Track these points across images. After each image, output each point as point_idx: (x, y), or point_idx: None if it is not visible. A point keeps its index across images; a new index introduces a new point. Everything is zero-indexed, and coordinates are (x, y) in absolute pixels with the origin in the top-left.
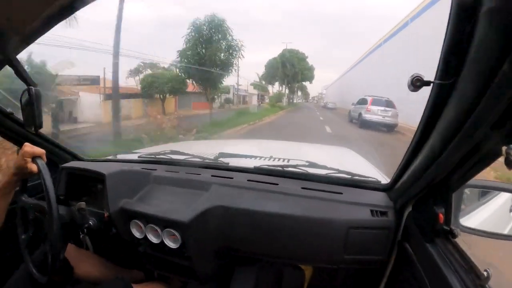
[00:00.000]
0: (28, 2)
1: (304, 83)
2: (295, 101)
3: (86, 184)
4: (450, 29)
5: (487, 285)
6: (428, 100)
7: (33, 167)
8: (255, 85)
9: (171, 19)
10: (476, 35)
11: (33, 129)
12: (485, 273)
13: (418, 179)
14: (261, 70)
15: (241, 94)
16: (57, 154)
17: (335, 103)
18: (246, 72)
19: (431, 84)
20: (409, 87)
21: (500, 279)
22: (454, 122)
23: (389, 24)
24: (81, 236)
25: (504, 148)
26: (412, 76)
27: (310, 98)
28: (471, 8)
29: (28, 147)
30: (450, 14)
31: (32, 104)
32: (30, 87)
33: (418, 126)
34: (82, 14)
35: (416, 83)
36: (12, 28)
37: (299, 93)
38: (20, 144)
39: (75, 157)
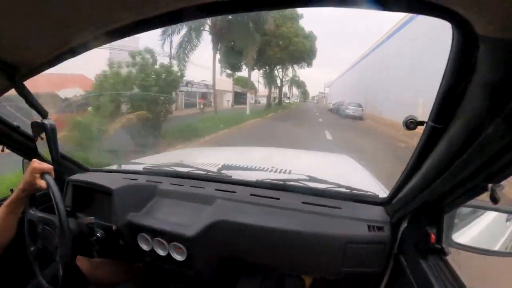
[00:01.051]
0: (41, 43)
1: (298, 69)
2: (288, 101)
3: (92, 196)
4: (444, 83)
5: None
6: (422, 134)
7: (42, 184)
8: (236, 78)
9: None
10: (468, 93)
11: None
12: None
13: (413, 199)
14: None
15: (199, 91)
16: (62, 164)
17: (361, 106)
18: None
19: (424, 124)
20: (404, 127)
21: None
22: (445, 157)
23: (389, 23)
24: (93, 247)
25: (489, 186)
26: (406, 118)
27: (309, 97)
28: (466, 71)
29: (36, 163)
30: (445, 71)
31: (49, 139)
32: (45, 122)
33: (414, 152)
34: None
35: (410, 125)
36: (23, 63)
37: (294, 90)
38: (27, 157)
39: (80, 167)
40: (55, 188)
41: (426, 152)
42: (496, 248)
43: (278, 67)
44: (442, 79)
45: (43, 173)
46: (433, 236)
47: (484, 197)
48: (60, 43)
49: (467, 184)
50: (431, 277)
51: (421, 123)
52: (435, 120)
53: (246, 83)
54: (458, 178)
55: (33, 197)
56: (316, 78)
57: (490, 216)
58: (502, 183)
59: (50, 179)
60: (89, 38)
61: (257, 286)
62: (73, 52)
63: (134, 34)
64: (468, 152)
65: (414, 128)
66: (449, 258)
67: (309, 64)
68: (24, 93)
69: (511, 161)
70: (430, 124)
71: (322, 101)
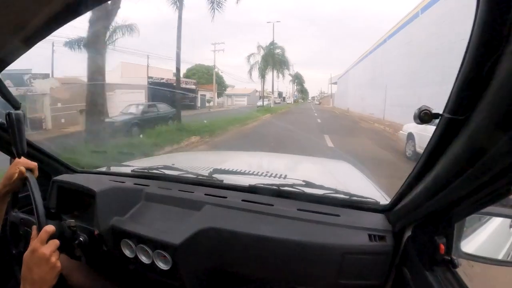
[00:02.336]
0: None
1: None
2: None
3: (78, 198)
4: (468, 63)
5: None
6: (435, 131)
7: (21, 174)
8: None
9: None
10: (498, 73)
11: (17, 156)
12: None
13: (420, 207)
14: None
15: None
16: (50, 165)
17: None
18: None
19: (440, 117)
20: (415, 119)
21: None
22: (463, 159)
23: (388, 23)
24: (75, 251)
25: None
26: (419, 109)
27: (309, 98)
28: (495, 46)
29: (22, 160)
30: (468, 47)
31: (13, 130)
32: (11, 112)
33: (423, 153)
34: None
35: (424, 117)
36: None
37: (295, 90)
38: (13, 155)
39: (68, 168)
40: (35, 185)
41: (439, 151)
42: (509, 257)
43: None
44: (464, 59)
45: (26, 170)
46: (442, 247)
47: None
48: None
49: (488, 188)
50: None
51: (437, 115)
52: (454, 111)
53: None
54: (479, 181)
55: (16, 198)
56: (315, 79)
57: (495, 222)
58: None
59: (32, 176)
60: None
61: None
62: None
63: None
64: (494, 148)
65: (428, 121)
66: (459, 270)
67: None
68: None
69: None
70: (447, 116)
71: (327, 103)
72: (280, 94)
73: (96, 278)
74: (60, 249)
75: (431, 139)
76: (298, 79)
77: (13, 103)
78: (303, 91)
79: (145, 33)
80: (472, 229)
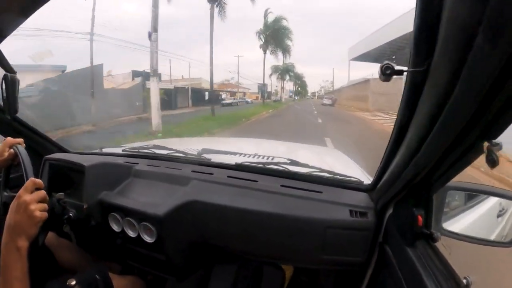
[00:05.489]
0: None
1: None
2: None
3: (69, 176)
4: (418, 6)
5: None
6: (403, 92)
7: (11, 152)
8: None
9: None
10: (445, 8)
11: (9, 115)
12: (464, 281)
13: (397, 179)
14: (259, 69)
15: None
16: (43, 145)
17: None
18: (245, 71)
19: (404, 74)
20: (380, 76)
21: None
22: (429, 114)
23: (387, 17)
24: (64, 227)
25: (485, 144)
26: (382, 64)
27: (309, 94)
28: None
29: (9, 138)
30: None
31: (8, 91)
32: (7, 73)
33: (395, 122)
34: None
35: (386, 71)
36: None
37: (292, 84)
38: (7, 134)
39: (61, 149)
40: (25, 156)
41: (410, 113)
42: (492, 237)
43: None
44: (415, 10)
45: (14, 145)
46: (420, 219)
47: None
48: None
49: (458, 148)
50: (418, 266)
51: (400, 71)
52: (415, 64)
53: None
54: (446, 138)
55: (7, 177)
56: (314, 75)
57: (486, 204)
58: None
59: (21, 148)
60: None
61: (233, 275)
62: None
63: None
64: (454, 94)
65: (389, 77)
66: (439, 245)
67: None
68: None
69: (508, 97)
70: (410, 70)
71: (336, 99)
72: (261, 87)
73: (85, 257)
74: (49, 225)
75: (400, 104)
76: (290, 71)
77: (9, 68)
78: (302, 87)
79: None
80: (458, 210)
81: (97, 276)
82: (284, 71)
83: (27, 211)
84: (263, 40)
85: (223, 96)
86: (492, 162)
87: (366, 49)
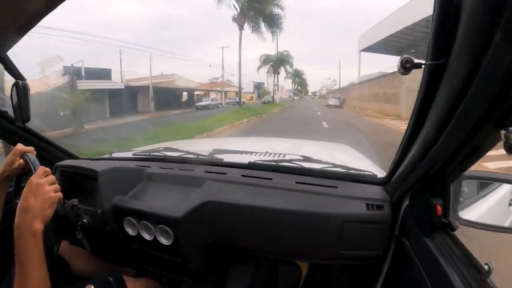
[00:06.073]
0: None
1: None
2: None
3: (81, 183)
4: (437, 2)
5: (488, 280)
6: (420, 85)
7: (21, 162)
8: None
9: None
10: (465, 6)
11: (21, 123)
12: (486, 267)
13: (414, 171)
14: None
15: None
16: (52, 153)
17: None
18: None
19: (423, 66)
20: (399, 70)
21: (502, 273)
22: (446, 107)
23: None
24: (77, 234)
25: (502, 132)
26: (401, 57)
27: (310, 93)
28: None
29: (19, 145)
30: None
31: (20, 98)
32: (18, 81)
33: (412, 115)
34: None
35: (406, 65)
36: (1, 27)
37: (290, 83)
38: (14, 143)
39: (70, 156)
40: (35, 163)
41: (427, 106)
42: (507, 224)
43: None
44: (434, 6)
45: (24, 153)
46: (439, 208)
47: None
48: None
49: (474, 138)
50: (438, 256)
51: (419, 64)
52: (433, 57)
53: None
54: (464, 128)
55: (19, 186)
56: (315, 75)
57: (499, 192)
58: None
59: (32, 156)
60: None
61: (249, 275)
62: (48, 5)
63: None
64: (472, 87)
65: (410, 69)
66: (457, 234)
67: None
68: (2, 57)
69: None
70: (428, 63)
71: (345, 99)
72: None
73: (99, 264)
74: (63, 233)
75: (418, 96)
76: (285, 62)
77: (19, 76)
78: (302, 86)
79: None
80: (473, 199)
81: (111, 279)
82: (277, 63)
83: (42, 192)
84: (237, 9)
85: (212, 96)
86: (510, 148)
87: (381, 36)
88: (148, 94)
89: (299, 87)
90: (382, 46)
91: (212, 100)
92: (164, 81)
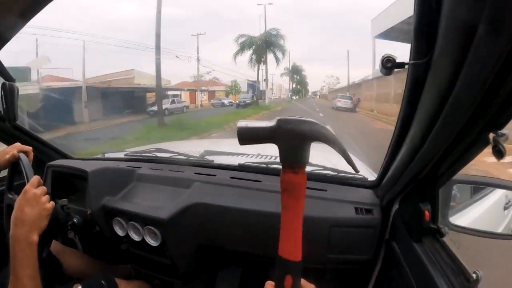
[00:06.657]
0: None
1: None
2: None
3: (72, 183)
4: (418, 5)
5: None
6: (405, 86)
7: (14, 154)
8: None
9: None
10: (443, 10)
11: (8, 122)
12: (474, 275)
13: (402, 174)
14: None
15: None
16: (45, 152)
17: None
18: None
19: (406, 66)
20: (380, 70)
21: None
22: (432, 108)
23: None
24: (68, 233)
25: (491, 135)
26: (382, 56)
27: (310, 93)
28: None
29: (18, 144)
30: None
31: (7, 99)
32: (5, 82)
33: (398, 117)
34: None
35: (387, 64)
36: None
37: (288, 80)
38: (9, 143)
39: (63, 156)
40: (27, 164)
41: (413, 107)
42: (499, 230)
43: None
44: (414, 2)
45: (19, 152)
46: (427, 214)
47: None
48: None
49: (463, 140)
50: (426, 262)
51: (401, 64)
52: (415, 57)
53: None
54: (451, 130)
55: (11, 181)
56: (315, 75)
57: (492, 197)
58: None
59: (24, 156)
60: None
61: (238, 278)
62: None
63: None
64: (457, 86)
65: (390, 70)
66: (446, 240)
67: None
68: None
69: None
70: (411, 63)
71: (359, 100)
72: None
73: (92, 263)
74: (54, 233)
75: (403, 98)
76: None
77: (8, 77)
78: (301, 84)
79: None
80: (465, 205)
81: (103, 282)
82: (262, 46)
83: (39, 203)
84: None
85: (175, 98)
86: (499, 152)
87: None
88: (96, 97)
89: (298, 86)
90: (406, 32)
91: (173, 102)
92: (116, 79)
